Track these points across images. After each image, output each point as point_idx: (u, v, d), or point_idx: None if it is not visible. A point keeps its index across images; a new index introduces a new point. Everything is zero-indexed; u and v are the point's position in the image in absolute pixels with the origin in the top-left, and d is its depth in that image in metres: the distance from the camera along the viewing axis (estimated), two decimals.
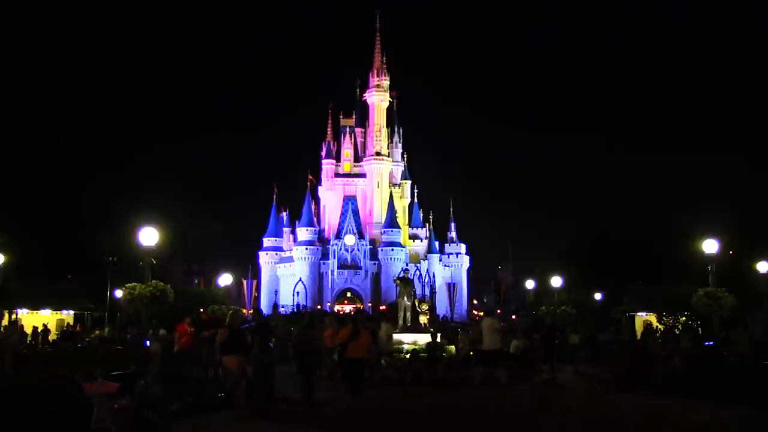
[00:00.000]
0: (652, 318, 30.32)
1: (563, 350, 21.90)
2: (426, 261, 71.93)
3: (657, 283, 34.45)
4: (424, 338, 20.92)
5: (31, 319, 30.49)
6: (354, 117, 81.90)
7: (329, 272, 73.15)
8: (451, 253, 77.22)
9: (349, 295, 74.27)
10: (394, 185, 79.42)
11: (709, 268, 20.85)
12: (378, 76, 79.84)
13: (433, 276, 64.40)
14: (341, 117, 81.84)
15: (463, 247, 78.20)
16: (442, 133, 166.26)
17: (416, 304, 23.45)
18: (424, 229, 77.70)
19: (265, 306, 66.94)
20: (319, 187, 79.97)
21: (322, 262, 73.71)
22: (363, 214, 76.95)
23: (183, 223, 56.03)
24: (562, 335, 22.87)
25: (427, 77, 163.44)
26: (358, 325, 13.67)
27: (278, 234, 77.73)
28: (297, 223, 76.49)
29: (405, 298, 22.69)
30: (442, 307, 57.74)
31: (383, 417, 12.58)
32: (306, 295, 69.11)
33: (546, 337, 20.40)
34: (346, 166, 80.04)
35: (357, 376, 13.07)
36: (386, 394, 15.48)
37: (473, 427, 11.58)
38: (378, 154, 78.14)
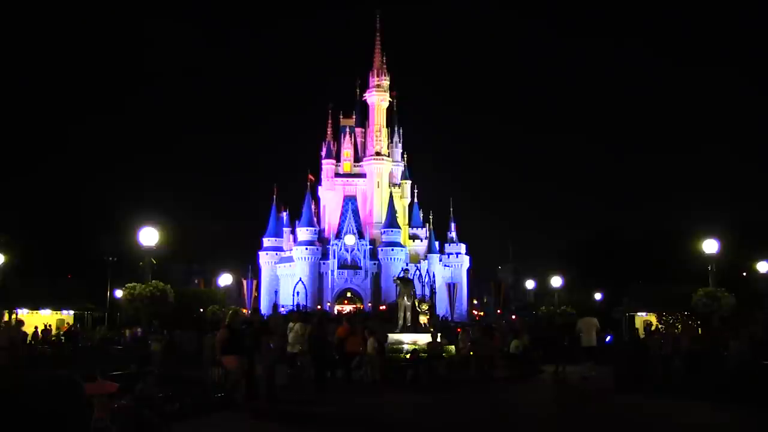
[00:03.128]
0: (652, 318, 30.29)
1: (574, 350, 21.89)
2: (426, 261, 71.92)
3: (657, 283, 34.42)
4: (424, 338, 20.92)
5: (31, 319, 30.45)
6: (354, 117, 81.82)
7: (329, 272, 73.12)
8: (451, 253, 77.16)
9: (349, 295, 74.23)
10: (394, 185, 79.34)
11: (709, 268, 20.84)
12: (378, 76, 79.76)
13: (433, 276, 64.46)
14: (341, 117, 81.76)
15: (463, 247, 78.13)
16: (442, 133, 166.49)
17: (416, 304, 23.45)
18: (424, 229, 77.63)
19: (265, 306, 66.93)
20: (319, 187, 79.92)
21: (322, 262, 73.68)
22: (363, 214, 76.91)
23: (183, 223, 56.04)
24: (572, 335, 22.85)
25: (427, 77, 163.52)
26: (355, 325, 16.88)
27: (278, 234, 77.69)
28: (297, 223, 76.44)
29: (405, 298, 22.69)
30: (442, 307, 57.77)
31: (383, 417, 12.57)
32: (306, 295, 69.10)
33: (556, 337, 20.42)
34: (346, 166, 79.98)
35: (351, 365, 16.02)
36: (386, 394, 15.48)
37: (474, 425, 11.58)
38: (378, 154, 78.09)
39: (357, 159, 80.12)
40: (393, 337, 21.37)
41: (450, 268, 76.36)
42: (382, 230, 74.03)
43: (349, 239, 73.67)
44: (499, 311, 69.65)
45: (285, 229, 78.04)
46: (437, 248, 76.77)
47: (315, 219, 76.19)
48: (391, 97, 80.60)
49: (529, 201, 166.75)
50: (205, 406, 11.97)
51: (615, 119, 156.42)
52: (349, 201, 77.20)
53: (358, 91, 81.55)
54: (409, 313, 22.34)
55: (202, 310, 31.04)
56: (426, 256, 74.40)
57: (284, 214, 78.57)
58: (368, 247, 73.73)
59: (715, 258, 21.02)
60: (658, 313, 29.66)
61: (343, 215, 75.73)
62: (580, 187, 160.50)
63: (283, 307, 64.42)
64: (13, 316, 29.17)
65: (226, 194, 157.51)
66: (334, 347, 17.19)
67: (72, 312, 33.29)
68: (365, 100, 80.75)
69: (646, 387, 15.22)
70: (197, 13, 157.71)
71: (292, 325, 15.82)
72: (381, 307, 61.71)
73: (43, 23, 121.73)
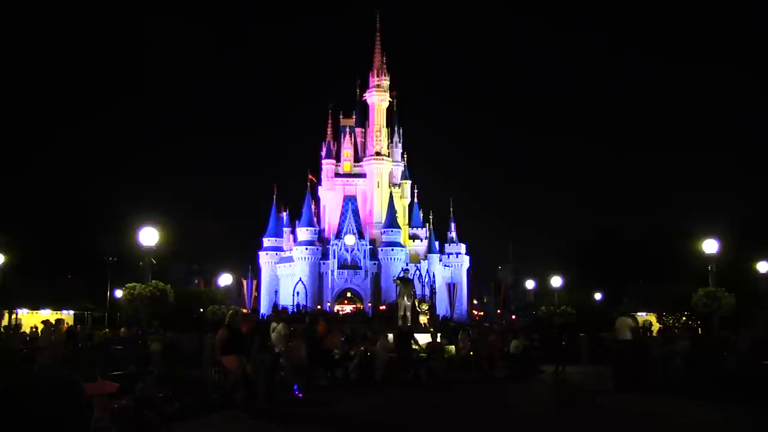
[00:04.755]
0: (652, 318, 30.30)
1: (572, 350, 21.90)
2: (426, 261, 71.88)
3: (657, 283, 34.43)
4: (424, 338, 20.92)
5: (31, 319, 30.48)
6: (354, 117, 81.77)
7: (329, 272, 73.10)
8: (451, 253, 77.13)
9: (349, 295, 74.20)
10: (394, 185, 79.30)
11: (709, 268, 20.81)
12: (378, 76, 79.72)
13: (433, 276, 64.40)
14: (341, 117, 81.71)
15: (463, 247, 78.10)
16: (442, 133, 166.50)
17: (416, 304, 23.47)
18: (424, 229, 77.61)
19: (265, 306, 66.92)
20: (319, 187, 79.89)
21: (322, 262, 73.66)
22: (363, 214, 76.88)
23: (183, 223, 56.06)
24: (571, 335, 22.85)
25: (427, 77, 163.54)
26: (331, 325, 18.14)
27: (278, 234, 77.67)
28: (297, 223, 76.41)
29: (405, 298, 22.72)
30: (442, 307, 57.70)
31: (383, 416, 12.57)
32: (306, 295, 69.07)
33: (555, 336, 20.43)
34: (346, 166, 79.95)
35: (330, 362, 16.99)
36: (386, 393, 15.48)
37: (474, 425, 11.58)
38: (378, 154, 78.05)
39: (357, 159, 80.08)
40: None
41: (450, 268, 76.35)
42: (382, 230, 74.01)
43: (349, 239, 73.65)
44: (499, 311, 69.68)
45: (285, 229, 78.02)
46: (437, 248, 76.75)
47: (315, 219, 76.16)
48: (391, 97, 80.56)
49: (529, 201, 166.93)
50: (205, 406, 11.98)
51: (615, 119, 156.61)
52: (349, 201, 77.17)
53: (358, 91, 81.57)
54: (409, 313, 22.36)
55: (202, 310, 30.99)
56: (426, 256, 74.38)
57: (284, 214, 78.55)
58: (368, 247, 73.71)
59: (715, 258, 20.99)
60: (658, 313, 29.64)
61: (343, 215, 75.70)
62: (580, 187, 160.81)
63: (283, 307, 64.43)
64: (13, 316, 29.20)
65: (226, 194, 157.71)
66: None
67: (72, 312, 33.31)
68: (365, 100, 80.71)
69: (646, 387, 15.22)
70: (197, 13, 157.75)
71: (275, 325, 15.97)
72: (381, 307, 61.72)
73: (41, 23, 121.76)
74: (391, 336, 19.68)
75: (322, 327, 16.83)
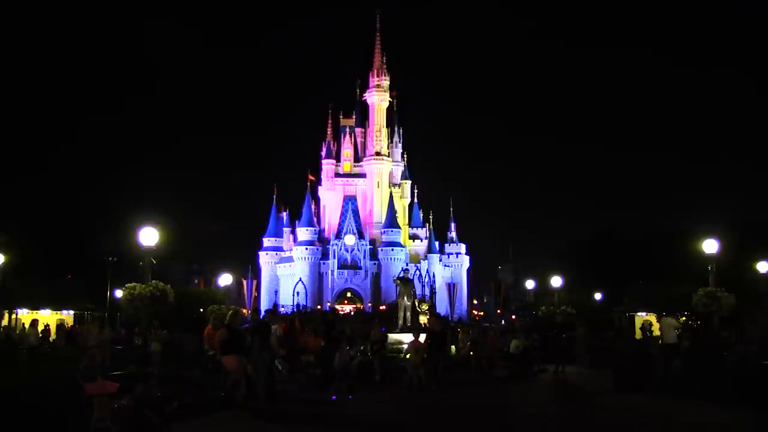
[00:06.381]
0: (652, 318, 30.27)
1: (572, 350, 21.90)
2: (426, 261, 71.93)
3: (657, 283, 34.36)
4: (424, 338, 20.90)
5: (31, 319, 30.40)
6: (354, 117, 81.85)
7: (329, 272, 73.14)
8: (451, 253, 77.19)
9: (349, 295, 74.24)
10: (394, 185, 79.36)
11: (709, 268, 20.80)
12: (378, 76, 79.78)
13: (433, 276, 64.49)
14: (341, 117, 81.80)
15: (463, 247, 78.17)
16: (442, 133, 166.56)
17: (416, 304, 23.51)
18: (424, 229, 77.66)
19: (265, 306, 66.84)
20: (319, 187, 79.95)
21: (322, 262, 73.69)
22: (363, 214, 76.92)
23: (183, 223, 56.00)
24: (572, 335, 22.85)
25: (427, 77, 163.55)
26: (305, 324, 19.20)
27: (278, 234, 77.72)
28: (297, 223, 76.48)
29: (405, 298, 22.74)
30: (442, 307, 57.67)
31: (382, 416, 12.57)
32: (306, 295, 69.10)
33: (556, 336, 20.44)
34: (346, 166, 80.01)
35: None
36: (385, 393, 15.48)
37: (473, 425, 11.58)
38: (378, 154, 78.09)
39: (357, 159, 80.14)
40: (393, 337, 21.40)
41: (450, 268, 76.37)
42: (382, 230, 74.04)
43: (349, 239, 73.67)
44: (499, 311, 69.69)
45: (285, 229, 78.09)
46: (437, 248, 76.78)
47: (315, 219, 76.21)
48: (391, 97, 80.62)
49: (529, 201, 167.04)
50: (205, 406, 11.96)
51: (615, 119, 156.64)
52: (349, 201, 77.21)
53: (358, 91, 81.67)
54: (409, 313, 22.38)
55: (202, 310, 30.94)
56: (426, 256, 74.41)
57: (284, 214, 78.61)
58: (368, 247, 73.75)
59: (715, 258, 20.97)
60: (658, 313, 29.60)
61: (343, 215, 75.73)
62: (580, 187, 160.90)
63: (283, 307, 64.39)
64: (14, 316, 29.15)
65: (226, 194, 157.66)
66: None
67: (72, 312, 33.21)
68: (365, 100, 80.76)
69: (646, 387, 15.22)
70: (198, 13, 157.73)
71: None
72: (381, 307, 61.70)
73: (42, 23, 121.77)
74: (422, 336, 19.60)
75: (298, 326, 17.09)
